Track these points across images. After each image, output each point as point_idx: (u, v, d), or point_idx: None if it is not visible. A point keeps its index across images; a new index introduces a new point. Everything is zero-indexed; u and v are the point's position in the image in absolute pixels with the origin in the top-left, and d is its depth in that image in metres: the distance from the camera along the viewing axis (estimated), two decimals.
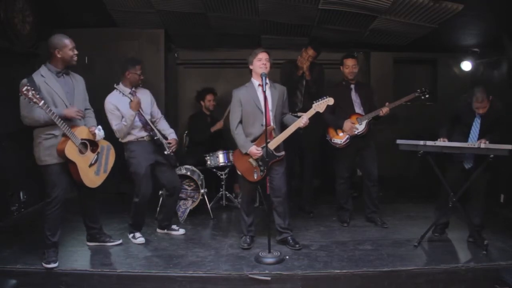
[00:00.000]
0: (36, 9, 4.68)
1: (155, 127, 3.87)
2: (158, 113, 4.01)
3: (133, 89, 3.77)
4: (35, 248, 3.38)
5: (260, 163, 3.56)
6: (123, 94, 3.69)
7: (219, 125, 5.14)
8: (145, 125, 3.77)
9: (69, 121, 3.21)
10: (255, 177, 3.60)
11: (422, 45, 5.25)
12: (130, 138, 3.74)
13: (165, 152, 3.80)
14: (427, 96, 4.22)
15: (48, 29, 4.27)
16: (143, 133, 3.76)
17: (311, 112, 3.54)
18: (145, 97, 3.85)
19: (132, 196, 3.79)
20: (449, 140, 3.64)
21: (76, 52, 3.26)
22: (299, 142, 4.37)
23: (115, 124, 3.68)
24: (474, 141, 3.56)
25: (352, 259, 3.41)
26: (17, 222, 4.33)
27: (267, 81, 3.50)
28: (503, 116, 3.60)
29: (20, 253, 3.42)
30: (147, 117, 3.79)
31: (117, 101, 3.69)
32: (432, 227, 3.78)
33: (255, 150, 3.52)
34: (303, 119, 3.50)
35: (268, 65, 3.56)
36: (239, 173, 3.67)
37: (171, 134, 3.98)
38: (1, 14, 4.14)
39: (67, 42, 3.20)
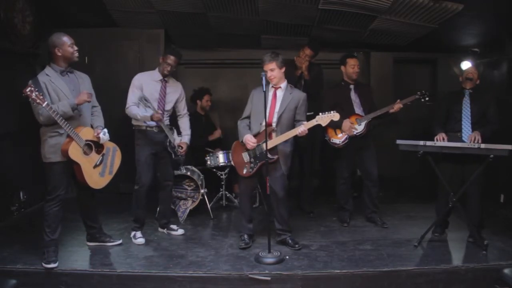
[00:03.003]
0: (36, 9, 4.68)
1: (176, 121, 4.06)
2: (183, 109, 4.09)
3: (165, 78, 3.85)
4: (35, 248, 3.38)
5: (252, 160, 3.62)
6: (157, 79, 3.82)
7: (217, 133, 5.16)
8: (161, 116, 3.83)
9: (76, 121, 3.23)
10: (244, 172, 3.66)
11: (422, 45, 5.25)
12: (140, 125, 3.79)
13: (173, 157, 3.91)
14: (427, 98, 4.21)
15: (48, 29, 4.28)
16: (154, 123, 3.79)
17: (311, 123, 3.53)
18: (174, 90, 3.94)
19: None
20: (445, 130, 3.73)
21: (76, 48, 3.26)
22: (298, 142, 4.37)
23: (131, 102, 3.72)
24: (468, 124, 3.69)
25: (352, 259, 3.42)
26: (17, 222, 4.33)
27: (281, 85, 3.66)
28: (493, 103, 3.75)
29: (20, 253, 3.42)
30: (167, 108, 3.88)
31: (146, 82, 3.79)
32: (432, 227, 3.78)
33: (250, 138, 3.59)
34: (300, 128, 3.49)
35: (274, 74, 3.55)
36: (232, 164, 3.80)
37: (185, 137, 4.06)
38: (1, 14, 4.14)
39: (66, 39, 3.21)
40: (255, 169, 3.61)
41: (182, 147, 3.98)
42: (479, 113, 3.70)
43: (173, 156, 3.92)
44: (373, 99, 4.31)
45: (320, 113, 3.54)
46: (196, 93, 5.29)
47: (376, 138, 4.49)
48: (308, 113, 4.21)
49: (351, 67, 4.18)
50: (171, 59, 3.80)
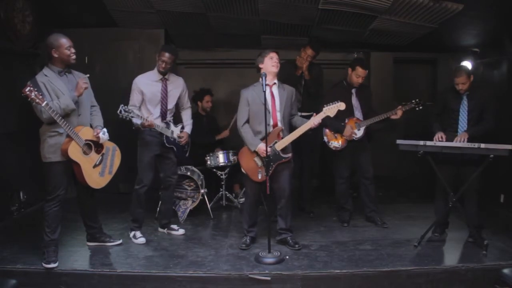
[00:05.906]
0: (36, 9, 4.68)
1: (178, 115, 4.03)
2: (186, 103, 4.07)
3: (165, 76, 3.81)
4: (35, 248, 3.38)
5: (266, 163, 3.54)
6: (156, 79, 3.78)
7: (225, 133, 5.17)
8: (163, 115, 3.82)
9: (75, 120, 3.23)
10: (259, 177, 3.58)
11: (422, 45, 5.25)
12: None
13: (175, 151, 3.89)
14: (421, 107, 4.23)
15: (48, 29, 4.27)
16: (158, 123, 3.78)
17: (321, 116, 3.53)
18: (176, 86, 3.91)
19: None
20: (443, 129, 3.76)
21: (73, 50, 3.22)
22: (298, 143, 4.36)
23: (131, 105, 3.72)
24: (464, 122, 3.71)
25: (352, 259, 3.42)
26: (17, 222, 4.33)
27: (275, 81, 3.62)
28: (490, 100, 3.73)
29: (20, 253, 3.42)
30: (170, 106, 3.86)
31: (146, 84, 3.76)
32: (432, 227, 3.78)
33: (264, 147, 3.49)
34: (316, 120, 3.49)
35: (278, 64, 3.58)
36: (243, 171, 3.66)
37: (187, 127, 4.04)
38: (1, 14, 4.14)
39: (63, 41, 3.17)
40: (270, 172, 3.53)
41: (183, 137, 3.95)
42: (476, 111, 3.70)
43: (175, 150, 3.90)
44: (371, 105, 4.32)
45: (325, 105, 3.53)
46: (196, 94, 5.29)
47: (375, 138, 4.49)
48: (307, 113, 4.21)
49: (357, 76, 4.12)
50: (165, 56, 3.73)
